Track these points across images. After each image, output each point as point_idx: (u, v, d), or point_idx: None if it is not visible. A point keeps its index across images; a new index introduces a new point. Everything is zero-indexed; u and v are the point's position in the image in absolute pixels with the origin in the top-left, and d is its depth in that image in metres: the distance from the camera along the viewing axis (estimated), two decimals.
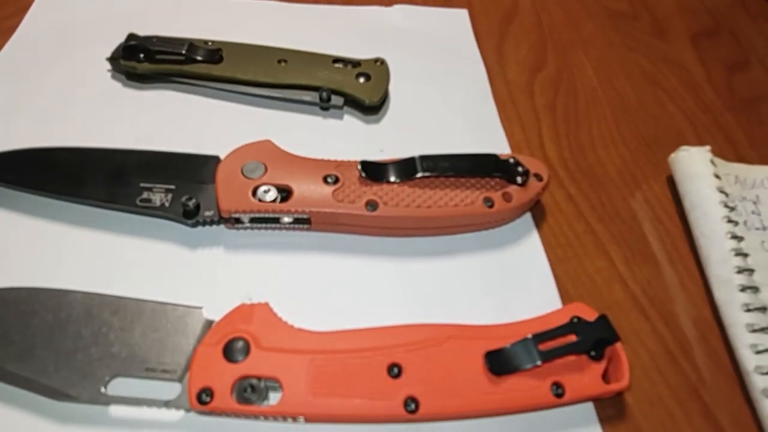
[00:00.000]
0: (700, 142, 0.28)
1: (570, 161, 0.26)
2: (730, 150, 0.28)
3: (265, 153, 0.21)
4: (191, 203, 0.19)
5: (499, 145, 0.26)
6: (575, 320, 0.18)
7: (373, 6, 0.33)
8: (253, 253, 0.20)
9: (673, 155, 0.25)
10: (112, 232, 0.20)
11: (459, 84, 0.29)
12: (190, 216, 0.19)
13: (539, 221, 0.23)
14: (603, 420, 0.18)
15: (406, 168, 0.20)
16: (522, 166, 0.21)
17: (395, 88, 0.27)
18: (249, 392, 0.16)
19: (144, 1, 0.31)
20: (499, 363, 0.17)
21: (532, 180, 0.21)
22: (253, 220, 0.20)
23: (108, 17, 0.29)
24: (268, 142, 0.22)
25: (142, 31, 0.26)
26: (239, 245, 0.20)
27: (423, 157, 0.21)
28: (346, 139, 0.25)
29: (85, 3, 0.30)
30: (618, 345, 0.18)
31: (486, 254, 0.22)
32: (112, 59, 0.26)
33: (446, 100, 0.28)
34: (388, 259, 0.21)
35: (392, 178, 0.20)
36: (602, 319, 0.18)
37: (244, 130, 0.24)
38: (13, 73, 0.26)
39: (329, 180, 0.20)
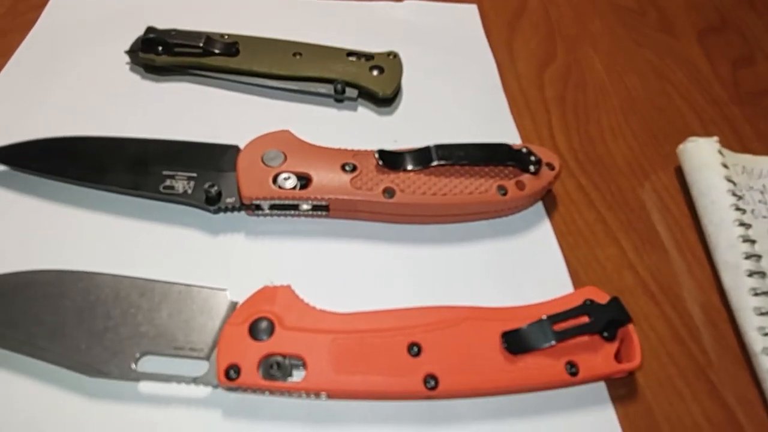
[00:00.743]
0: (707, 134, 0.28)
1: (580, 152, 0.27)
2: (736, 142, 0.29)
3: (284, 142, 0.21)
4: (213, 190, 0.20)
5: (510, 137, 0.27)
6: (588, 302, 0.18)
7: (383, 1, 0.34)
8: (274, 239, 0.21)
9: (681, 146, 0.26)
10: (136, 218, 0.21)
11: (470, 77, 0.30)
12: (212, 202, 0.20)
13: (551, 209, 0.24)
14: (615, 399, 0.19)
15: (422, 156, 0.21)
16: (534, 155, 0.22)
17: (407, 80, 0.28)
18: (274, 369, 0.17)
19: (158, 11, 0.31)
20: (516, 342, 0.18)
21: (544, 169, 0.22)
22: (272, 207, 0.21)
23: (125, 10, 0.30)
24: (287, 131, 0.22)
25: (159, 24, 0.27)
26: (260, 231, 0.21)
27: (438, 146, 0.21)
28: (360, 130, 0.26)
29: (97, 5, 0.30)
30: (630, 326, 0.18)
31: (499, 241, 0.22)
32: (131, 52, 0.27)
33: (457, 93, 0.28)
34: (404, 245, 0.21)
35: (409, 167, 0.21)
36: (614, 300, 0.18)
37: (260, 122, 0.25)
38: (34, 65, 0.26)
39: (347, 168, 0.21)
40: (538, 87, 0.30)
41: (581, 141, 0.28)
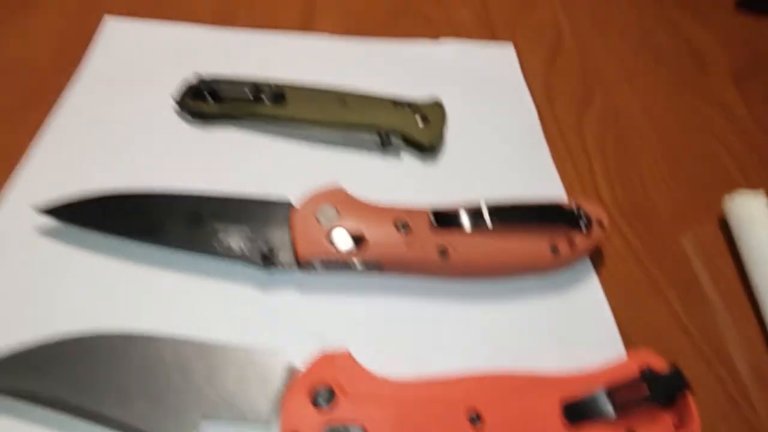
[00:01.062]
0: (748, 183, 0.29)
1: (624, 202, 0.27)
2: None
3: (336, 199, 0.22)
4: (267, 249, 0.20)
5: (553, 185, 0.27)
6: (647, 372, 0.18)
7: (421, 40, 0.34)
8: (326, 296, 0.21)
9: (727, 200, 0.26)
10: (188, 273, 0.21)
11: (510, 122, 0.30)
12: (266, 261, 0.20)
13: (597, 262, 0.24)
14: None
15: (475, 217, 0.21)
16: (585, 213, 0.22)
17: (449, 125, 0.28)
18: None
19: (203, 38, 0.32)
20: (576, 414, 0.17)
21: (594, 227, 0.22)
22: (326, 265, 0.21)
23: (169, 54, 0.30)
24: (339, 187, 0.22)
25: (204, 66, 0.28)
26: (312, 288, 0.21)
27: (491, 207, 0.21)
28: (405, 178, 0.26)
29: (147, 39, 0.31)
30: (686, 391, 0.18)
31: (549, 298, 0.22)
32: (180, 99, 0.27)
33: (499, 138, 0.29)
34: (456, 301, 0.22)
35: (462, 226, 0.21)
36: (675, 371, 0.18)
37: (308, 171, 0.26)
38: (80, 114, 0.27)
39: (400, 227, 0.21)
40: (578, 132, 0.30)
41: (624, 190, 0.28)
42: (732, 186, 0.28)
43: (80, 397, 0.17)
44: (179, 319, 0.20)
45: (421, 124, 0.27)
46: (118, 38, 0.31)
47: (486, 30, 0.36)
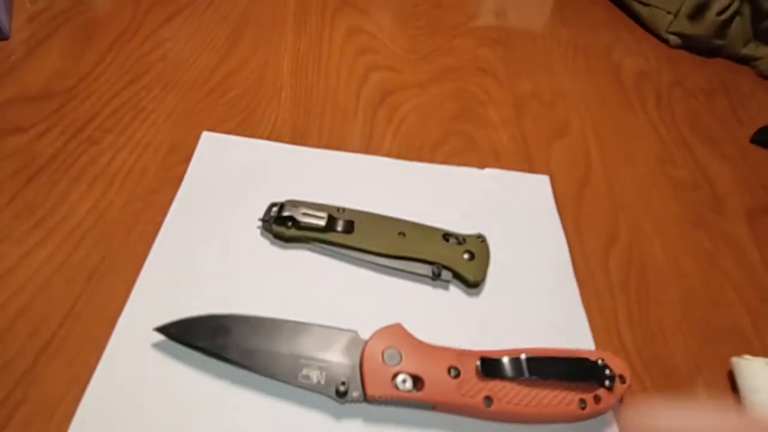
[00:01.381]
0: (758, 335, 0.32)
1: (643, 349, 0.30)
2: None
3: (399, 339, 0.26)
4: (343, 387, 0.24)
5: (581, 329, 0.30)
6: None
7: (467, 168, 0.38)
8: (388, 428, 0.25)
9: (734, 361, 0.29)
10: (273, 396, 0.25)
11: (545, 256, 0.34)
12: (341, 396, 0.24)
13: (617, 411, 0.27)
14: None
15: (517, 368, 0.25)
16: (610, 369, 0.26)
17: (492, 255, 0.32)
18: None
19: (282, 154, 0.37)
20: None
21: (617, 382, 0.26)
22: (387, 401, 0.25)
23: (255, 166, 0.35)
24: (399, 326, 0.26)
25: (283, 187, 0.32)
26: (376, 420, 0.25)
27: (530, 359, 0.25)
28: (451, 310, 0.30)
29: (236, 153, 0.36)
30: None
31: None
32: (264, 221, 0.32)
33: (533, 274, 0.32)
34: None
35: (504, 376, 0.25)
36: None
37: (371, 296, 0.30)
38: (184, 228, 0.31)
39: (452, 372, 0.25)
40: (604, 270, 0.34)
41: (644, 336, 0.31)
42: (743, 338, 0.31)
43: None
44: None
45: (467, 258, 0.31)
46: (213, 152, 0.36)
47: (522, 155, 0.41)
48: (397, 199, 0.35)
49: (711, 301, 0.34)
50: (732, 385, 0.29)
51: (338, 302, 0.29)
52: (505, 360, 0.25)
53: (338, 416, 0.25)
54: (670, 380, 0.29)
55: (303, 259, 0.31)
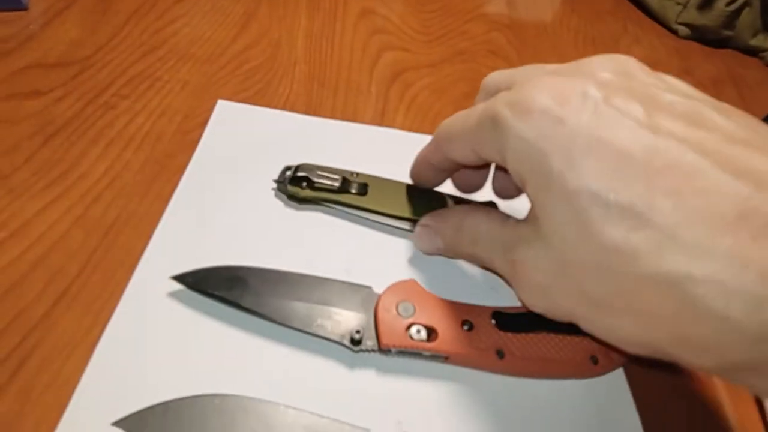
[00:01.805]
0: None
1: None
2: None
3: (413, 293, 0.26)
4: (357, 335, 0.24)
5: None
6: None
7: None
8: (400, 378, 0.25)
9: None
10: (287, 345, 0.25)
11: None
12: (355, 344, 0.24)
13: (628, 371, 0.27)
14: None
15: (529, 322, 0.25)
16: None
17: None
18: None
19: (296, 124, 0.37)
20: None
21: None
22: (401, 352, 0.25)
23: (270, 135, 0.36)
24: (413, 281, 0.26)
25: (297, 147, 0.32)
26: (389, 370, 0.25)
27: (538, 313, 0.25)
28: (462, 270, 0.30)
29: (251, 121, 0.37)
30: None
31: (585, 399, 0.26)
32: (279, 182, 0.32)
33: None
34: (506, 393, 0.25)
35: (516, 329, 0.25)
36: None
37: (384, 256, 0.30)
38: (199, 188, 0.32)
39: (465, 325, 0.25)
40: None
41: None
42: None
43: None
44: (278, 386, 0.24)
45: None
46: (229, 120, 0.36)
47: None
48: (406, 170, 0.35)
49: None
50: None
51: (352, 261, 0.29)
52: (519, 314, 0.25)
53: (352, 365, 0.25)
54: None
55: (317, 220, 0.31)
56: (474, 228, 0.26)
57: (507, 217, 0.25)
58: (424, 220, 0.30)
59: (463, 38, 0.51)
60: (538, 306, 0.23)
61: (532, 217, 0.22)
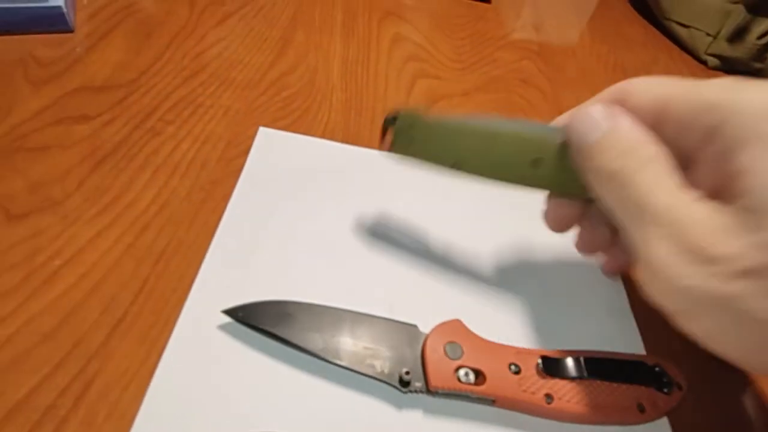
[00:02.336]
0: None
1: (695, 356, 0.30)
2: None
3: (459, 334, 0.26)
4: (407, 376, 0.24)
5: (633, 338, 0.31)
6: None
7: None
8: (448, 421, 0.25)
9: None
10: (336, 383, 0.26)
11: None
12: (404, 385, 0.25)
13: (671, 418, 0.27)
14: None
15: (577, 368, 0.25)
16: (667, 375, 0.26)
17: None
18: None
19: (334, 153, 0.38)
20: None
21: (674, 388, 0.26)
22: (448, 394, 0.25)
23: (309, 162, 0.36)
24: (459, 321, 0.27)
25: (336, 184, 0.33)
26: (436, 411, 0.25)
27: (589, 359, 0.25)
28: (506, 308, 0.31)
29: (291, 149, 0.37)
30: None
31: None
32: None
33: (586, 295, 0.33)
34: None
35: (565, 375, 0.25)
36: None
37: (426, 293, 0.30)
38: (242, 219, 0.32)
39: (513, 368, 0.25)
40: None
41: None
42: None
43: None
44: (325, 424, 0.24)
45: None
46: (270, 147, 0.37)
47: None
48: (440, 207, 0.36)
49: None
50: None
51: (395, 297, 0.30)
52: (566, 359, 0.26)
53: (399, 406, 0.25)
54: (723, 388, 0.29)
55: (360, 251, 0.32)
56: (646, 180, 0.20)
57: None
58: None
59: (495, 66, 0.52)
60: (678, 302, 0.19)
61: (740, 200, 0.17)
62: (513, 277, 0.32)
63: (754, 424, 0.28)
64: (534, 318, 0.30)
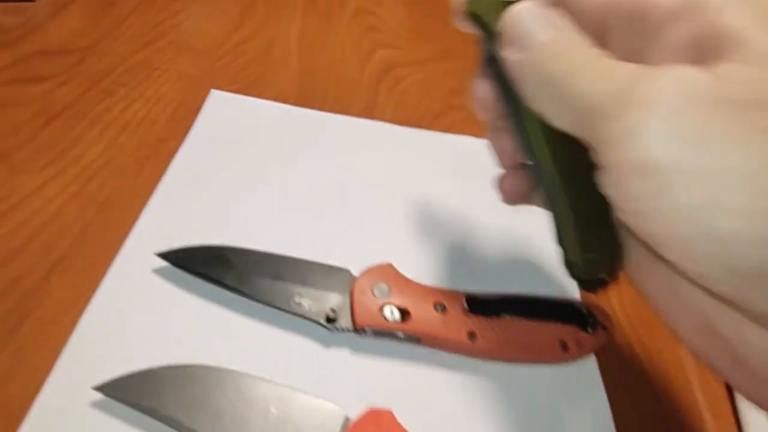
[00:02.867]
0: None
1: (632, 313, 0.31)
2: None
3: (388, 276, 0.27)
4: (333, 313, 0.25)
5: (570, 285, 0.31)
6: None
7: (465, 136, 0.40)
8: (373, 358, 0.26)
9: None
10: (266, 323, 0.26)
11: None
12: (330, 322, 0.25)
13: (602, 361, 0.28)
14: None
15: (501, 306, 0.26)
16: (593, 316, 0.26)
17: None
18: None
19: (286, 115, 0.38)
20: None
21: (599, 329, 0.26)
22: (375, 332, 0.25)
23: (261, 125, 0.37)
24: (390, 265, 0.27)
25: (285, 145, 0.34)
26: (362, 350, 0.26)
27: (514, 298, 0.26)
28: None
29: (243, 112, 0.38)
30: None
31: (554, 385, 0.26)
32: None
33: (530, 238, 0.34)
34: (478, 378, 0.26)
35: (488, 313, 0.26)
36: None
37: (363, 239, 0.31)
38: (189, 172, 0.33)
39: (438, 308, 0.26)
40: None
41: (632, 299, 0.32)
42: None
43: (184, 416, 0.22)
44: (255, 360, 0.25)
45: None
46: (221, 109, 0.37)
47: None
48: (399, 166, 0.36)
49: None
50: None
51: (332, 244, 0.30)
52: (490, 298, 0.26)
53: (327, 344, 0.26)
54: (657, 341, 0.30)
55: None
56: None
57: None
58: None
59: (452, 38, 0.52)
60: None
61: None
62: (452, 223, 0.33)
63: (681, 365, 0.29)
64: (467, 260, 0.31)
